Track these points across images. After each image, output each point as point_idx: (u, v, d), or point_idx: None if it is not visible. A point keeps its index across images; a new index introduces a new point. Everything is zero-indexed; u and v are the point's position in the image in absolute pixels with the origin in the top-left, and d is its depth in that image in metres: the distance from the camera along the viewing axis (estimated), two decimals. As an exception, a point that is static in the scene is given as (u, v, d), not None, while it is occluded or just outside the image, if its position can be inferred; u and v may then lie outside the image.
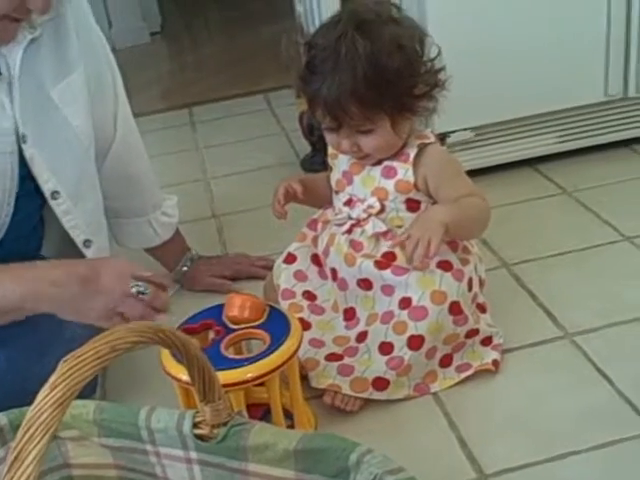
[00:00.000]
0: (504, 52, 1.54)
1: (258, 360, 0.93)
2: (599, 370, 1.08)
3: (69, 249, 1.13)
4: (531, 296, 1.26)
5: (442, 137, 1.60)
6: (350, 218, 1.13)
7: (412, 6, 1.54)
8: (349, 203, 1.14)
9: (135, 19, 3.14)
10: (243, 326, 0.99)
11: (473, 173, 1.63)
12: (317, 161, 1.72)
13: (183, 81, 2.75)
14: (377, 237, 1.11)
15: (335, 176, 1.17)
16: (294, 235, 1.23)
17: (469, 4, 1.51)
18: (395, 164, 1.11)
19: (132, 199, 1.32)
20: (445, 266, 1.08)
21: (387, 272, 1.09)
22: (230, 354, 0.96)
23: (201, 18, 3.62)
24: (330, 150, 1.18)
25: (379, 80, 1.02)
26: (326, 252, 1.15)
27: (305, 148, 1.86)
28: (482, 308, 1.16)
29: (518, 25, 1.53)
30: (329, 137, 1.11)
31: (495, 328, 1.14)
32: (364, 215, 1.11)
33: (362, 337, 1.10)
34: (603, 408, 1.02)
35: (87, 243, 1.13)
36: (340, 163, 1.16)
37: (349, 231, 1.12)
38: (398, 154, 1.11)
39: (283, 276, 1.18)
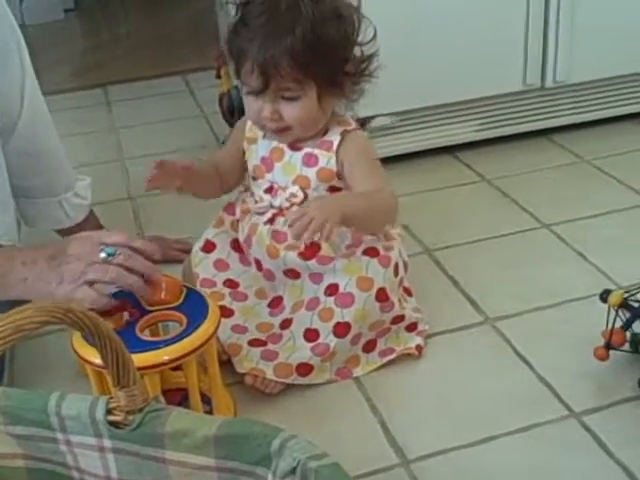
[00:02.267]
0: (426, 39, 1.54)
1: (174, 342, 0.89)
2: (519, 355, 1.09)
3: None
4: (452, 282, 1.26)
5: (363, 122, 1.59)
6: (272, 207, 1.09)
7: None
8: (270, 191, 1.10)
9: (48, -6, 3.02)
10: (159, 307, 0.95)
11: (393, 159, 1.64)
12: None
13: (97, 60, 2.65)
14: None
15: (252, 162, 1.13)
16: (212, 217, 1.19)
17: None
18: (317, 152, 1.08)
19: (41, 178, 1.25)
20: (371, 252, 1.07)
21: (312, 262, 1.07)
22: (145, 336, 0.92)
23: (116, -4, 3.51)
24: (248, 133, 1.14)
25: (317, 43, 0.99)
26: (248, 242, 1.11)
27: (225, 130, 1.81)
28: (408, 292, 1.15)
29: (440, 13, 1.54)
30: (250, 102, 1.04)
31: (420, 314, 1.13)
32: (287, 204, 1.08)
33: (286, 324, 1.07)
34: (524, 392, 1.02)
35: (-8, 221, 1.07)
36: (259, 148, 1.12)
37: (271, 220, 1.09)
38: (320, 141, 1.08)
39: (202, 265, 1.14)
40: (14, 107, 1.16)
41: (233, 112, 1.75)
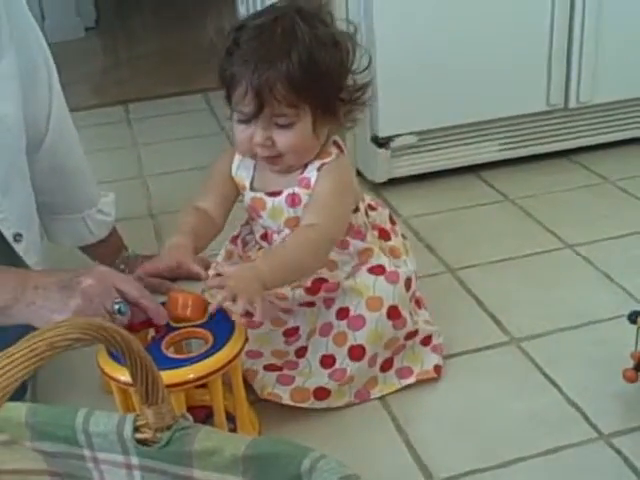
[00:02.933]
0: (450, 59, 1.55)
1: (200, 360, 0.89)
2: (546, 375, 1.08)
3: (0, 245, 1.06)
4: (476, 301, 1.25)
5: (386, 141, 1.59)
6: None
7: (358, 9, 1.53)
8: (265, 237, 1.08)
9: (69, 13, 3.05)
10: (184, 325, 0.94)
11: (416, 178, 1.64)
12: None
13: (118, 78, 2.67)
14: None
15: (245, 204, 1.09)
16: (230, 233, 1.16)
17: (416, 10, 1.50)
18: (297, 190, 1.04)
19: (66, 194, 1.26)
20: (377, 270, 1.06)
21: (321, 294, 1.06)
22: (171, 353, 0.92)
23: (137, 14, 3.54)
24: (238, 179, 1.08)
25: (313, 68, 0.96)
26: None
27: (246, 148, 1.82)
28: (419, 303, 1.14)
29: (464, 33, 1.54)
30: (241, 130, 1.00)
31: (434, 326, 1.12)
32: None
33: (302, 352, 1.06)
34: (550, 414, 1.01)
35: (17, 237, 1.07)
36: (246, 198, 1.09)
37: None
38: (298, 179, 1.04)
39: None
40: (41, 124, 1.16)
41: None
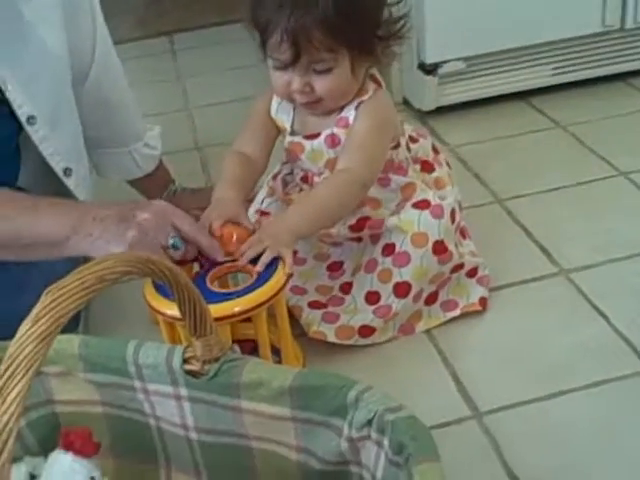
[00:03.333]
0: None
1: (245, 294, 0.89)
2: (595, 307, 1.06)
3: (48, 179, 1.07)
4: (525, 232, 1.23)
5: (433, 68, 1.55)
6: None
7: None
8: (306, 180, 1.07)
9: (111, -58, 3.01)
10: (228, 259, 0.95)
11: (465, 105, 1.60)
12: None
13: (162, 9, 2.64)
14: None
15: (284, 144, 1.08)
16: (277, 164, 1.16)
17: None
18: (336, 130, 1.02)
19: (112, 127, 1.26)
20: (422, 205, 1.04)
21: (365, 232, 1.05)
22: (215, 288, 0.92)
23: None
24: (279, 122, 1.07)
25: (348, 9, 0.93)
26: None
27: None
28: (463, 234, 1.12)
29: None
30: (278, 76, 0.99)
31: (479, 258, 1.11)
32: None
33: (347, 288, 1.06)
34: (599, 345, 1.00)
35: (67, 171, 1.08)
36: (285, 138, 1.07)
37: None
38: (336, 119, 1.02)
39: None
40: (86, 57, 1.16)
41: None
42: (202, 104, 1.82)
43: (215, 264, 0.94)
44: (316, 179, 1.06)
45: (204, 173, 1.52)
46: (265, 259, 0.91)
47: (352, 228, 1.05)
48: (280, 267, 0.93)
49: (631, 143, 1.45)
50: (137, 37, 2.30)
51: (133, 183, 1.34)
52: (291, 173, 1.11)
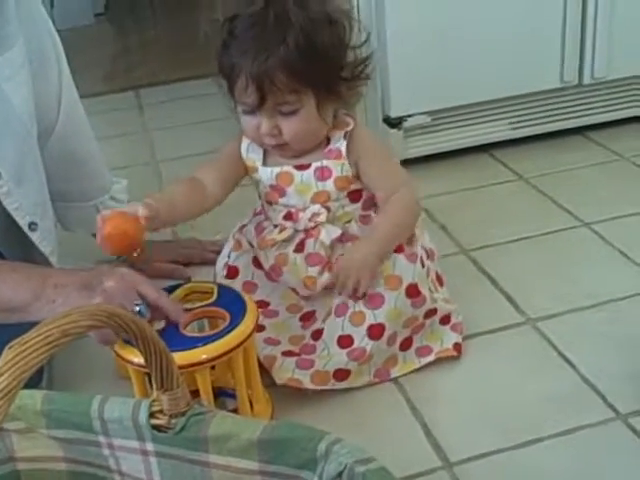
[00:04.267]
0: (461, 37, 1.53)
1: (216, 340, 0.89)
2: (562, 356, 1.07)
3: (13, 233, 1.06)
4: (491, 281, 1.25)
5: (398, 122, 1.58)
6: (296, 231, 1.06)
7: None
8: (289, 217, 1.06)
9: (78, -1, 3.04)
10: (198, 304, 0.95)
11: (430, 158, 1.63)
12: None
13: (128, 63, 2.67)
14: (333, 244, 1.05)
15: (262, 189, 1.08)
16: (245, 213, 1.15)
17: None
18: (326, 162, 1.04)
19: (78, 181, 1.26)
20: (396, 249, 1.05)
21: None
22: (189, 332, 0.92)
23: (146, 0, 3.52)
24: (246, 161, 1.08)
25: (310, 51, 0.96)
26: (277, 272, 1.08)
27: (257, 132, 1.81)
28: (440, 280, 1.12)
29: (475, 10, 1.52)
30: (247, 120, 1.01)
31: (453, 305, 1.11)
32: (311, 224, 1.04)
33: (318, 334, 1.06)
34: (568, 394, 1.00)
35: (32, 226, 1.07)
36: (263, 177, 1.07)
37: (301, 246, 1.05)
38: (325, 152, 1.04)
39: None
40: (51, 112, 1.16)
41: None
42: (169, 157, 1.82)
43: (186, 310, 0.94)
44: (300, 215, 1.05)
45: (170, 227, 1.52)
46: (363, 289, 1.01)
47: (332, 269, 1.05)
48: (249, 312, 0.93)
49: (592, 194, 1.48)
50: (103, 91, 2.31)
51: (99, 236, 1.33)
52: (267, 219, 1.10)
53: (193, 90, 2.25)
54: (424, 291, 1.05)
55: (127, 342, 0.88)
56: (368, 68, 1.03)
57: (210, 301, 0.96)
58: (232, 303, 0.95)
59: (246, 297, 0.97)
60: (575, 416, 0.96)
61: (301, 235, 1.06)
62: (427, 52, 1.52)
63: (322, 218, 1.04)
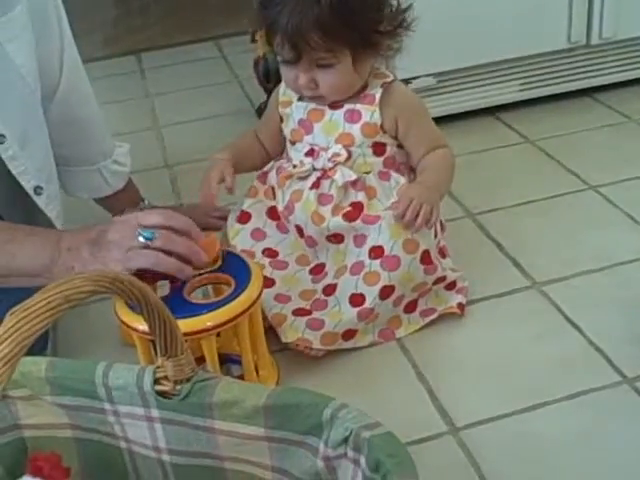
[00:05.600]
0: (467, -3, 1.50)
1: (222, 306, 0.89)
2: (569, 319, 1.06)
3: (18, 197, 1.06)
4: (497, 246, 1.24)
5: (404, 84, 1.55)
6: (315, 169, 1.07)
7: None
8: (311, 153, 1.08)
9: (77, -38, 2.99)
10: (201, 272, 0.94)
11: (435, 121, 1.59)
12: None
13: (129, 27, 2.63)
14: (346, 187, 1.06)
15: (290, 126, 1.11)
16: (247, 184, 1.16)
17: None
18: (359, 107, 1.06)
19: (81, 145, 1.24)
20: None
21: (358, 222, 1.05)
22: (195, 299, 0.92)
23: (147, -38, 3.47)
24: (281, 97, 1.12)
25: (345, 10, 0.97)
26: (290, 209, 1.09)
27: (260, 96, 1.79)
28: (442, 253, 1.12)
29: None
30: (285, 71, 1.05)
31: (458, 272, 1.11)
32: (330, 164, 1.06)
33: (330, 290, 1.05)
34: (574, 358, 1.00)
35: (38, 190, 1.06)
36: (295, 111, 1.10)
37: (317, 184, 1.06)
38: (360, 96, 1.06)
39: (239, 237, 1.11)
40: (54, 74, 1.15)
41: (269, 76, 1.73)
42: (171, 122, 1.80)
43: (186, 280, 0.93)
44: (322, 154, 1.06)
45: (173, 191, 1.51)
46: (424, 215, 1.00)
47: (346, 216, 1.05)
48: (254, 278, 0.92)
49: (599, 157, 1.46)
50: (104, 56, 2.29)
51: (102, 201, 1.32)
52: (287, 162, 1.12)
53: (193, 54, 2.23)
54: (435, 260, 1.05)
55: (131, 308, 0.87)
56: (408, 19, 1.04)
57: (215, 267, 0.95)
58: (237, 269, 0.95)
59: (251, 263, 0.96)
60: (582, 380, 0.96)
61: (318, 174, 1.07)
62: (432, 13, 1.48)
63: (342, 159, 1.05)
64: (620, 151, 1.48)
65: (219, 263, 0.96)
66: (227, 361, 1.01)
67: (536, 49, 1.60)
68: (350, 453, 0.62)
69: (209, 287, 1.01)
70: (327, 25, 0.96)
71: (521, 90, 1.64)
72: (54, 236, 0.94)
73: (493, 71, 1.60)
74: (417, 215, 1.00)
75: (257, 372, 0.97)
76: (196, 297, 0.94)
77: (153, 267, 0.89)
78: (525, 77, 1.63)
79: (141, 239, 0.89)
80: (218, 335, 0.95)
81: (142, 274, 0.88)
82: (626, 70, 1.67)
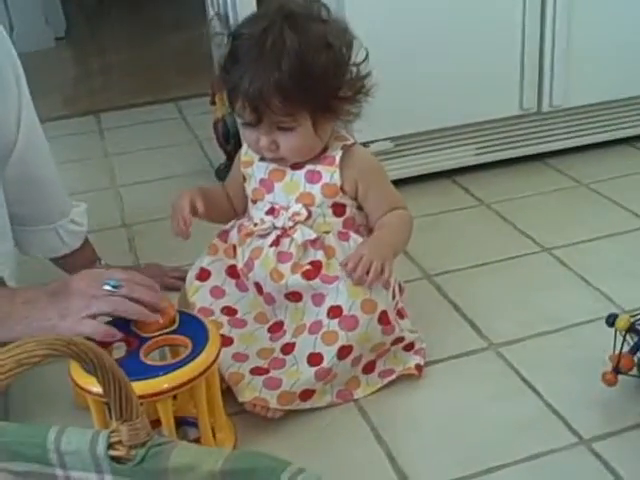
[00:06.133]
0: (422, 64, 1.54)
1: (179, 367, 0.87)
2: (525, 381, 1.07)
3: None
4: (454, 307, 1.25)
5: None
6: (275, 228, 1.08)
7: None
8: (272, 212, 1.09)
9: (38, 22, 3.01)
10: (156, 334, 0.93)
11: (392, 183, 1.62)
12: (232, 170, 1.67)
13: (88, 88, 2.65)
14: (305, 245, 1.06)
15: (251, 185, 1.12)
16: (206, 244, 1.16)
17: (388, 15, 1.49)
18: (319, 168, 1.07)
19: (37, 205, 1.23)
20: None
21: (317, 281, 1.05)
22: (152, 360, 0.91)
23: (107, 24, 3.50)
24: (243, 157, 1.13)
25: (304, 76, 0.99)
26: (249, 266, 1.09)
27: (219, 157, 1.80)
28: (400, 314, 1.13)
29: (436, 38, 1.54)
30: (247, 133, 1.06)
31: (416, 334, 1.11)
32: (290, 223, 1.07)
33: (289, 348, 1.05)
34: (531, 419, 1.00)
35: (-9, 249, 1.05)
36: (257, 171, 1.11)
37: (276, 242, 1.07)
38: (321, 158, 1.08)
39: (198, 294, 1.11)
40: (10, 134, 1.14)
41: (228, 138, 1.74)
42: (130, 182, 1.80)
43: (144, 340, 0.92)
44: (283, 212, 1.07)
45: (131, 251, 1.50)
46: (375, 271, 1.00)
47: (305, 274, 1.05)
48: (211, 340, 0.91)
49: (552, 220, 1.50)
50: (64, 115, 2.29)
51: (58, 261, 1.30)
52: (248, 220, 1.12)
53: (153, 115, 2.24)
54: (393, 320, 1.05)
55: (86, 370, 0.86)
56: (367, 86, 1.06)
57: (172, 328, 0.94)
58: (194, 330, 0.94)
59: (209, 323, 0.95)
60: (539, 442, 0.96)
61: (278, 232, 1.07)
62: (389, 79, 1.52)
63: (302, 218, 1.06)
64: (572, 214, 1.51)
65: (175, 324, 0.95)
66: (183, 423, 0.99)
67: (490, 115, 1.64)
68: (308, 520, 0.61)
69: (166, 349, 0.99)
70: (287, 90, 0.98)
71: (476, 154, 1.68)
72: (7, 292, 0.93)
73: (449, 135, 1.64)
74: (368, 271, 1.01)
75: (214, 435, 0.95)
76: (153, 359, 0.92)
77: (116, 312, 0.89)
78: (480, 142, 1.67)
79: (107, 287, 0.90)
80: (174, 398, 0.94)
81: (94, 340, 0.87)
82: (575, 137, 1.73)
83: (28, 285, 1.05)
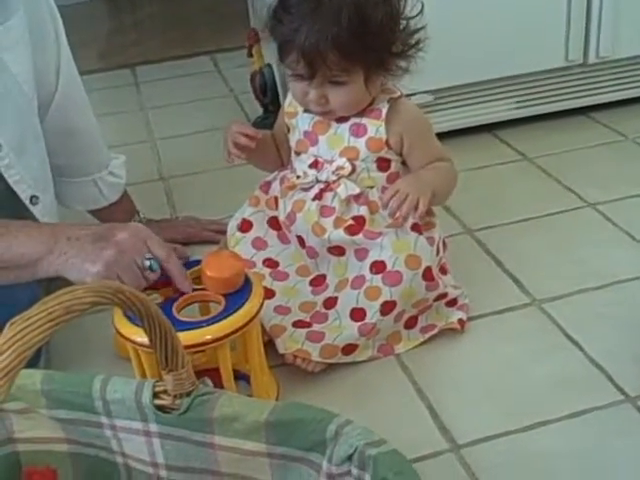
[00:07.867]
0: (466, 14, 1.50)
1: (215, 322, 0.87)
2: (569, 337, 1.05)
3: (13, 207, 1.04)
4: (496, 262, 1.23)
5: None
6: (318, 181, 1.06)
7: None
8: (315, 165, 1.07)
9: (73, -25, 2.98)
10: (198, 287, 0.93)
11: (433, 137, 1.60)
12: (269, 123, 1.64)
13: (124, 41, 2.63)
14: (349, 200, 1.05)
15: (295, 137, 1.10)
16: (244, 198, 1.16)
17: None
18: (365, 121, 1.05)
19: (76, 156, 1.23)
20: (417, 229, 1.04)
21: (359, 236, 1.04)
22: (182, 317, 0.90)
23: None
24: (287, 108, 1.11)
25: (363, 30, 0.96)
26: (291, 219, 1.08)
27: (256, 110, 1.79)
28: (443, 270, 1.11)
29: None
30: (295, 86, 1.03)
31: (459, 289, 1.10)
32: (333, 177, 1.05)
33: (331, 303, 1.04)
34: (574, 376, 0.99)
35: (34, 199, 1.05)
36: (300, 122, 1.09)
37: (319, 196, 1.06)
38: (367, 110, 1.05)
39: (240, 245, 1.11)
40: (50, 84, 1.14)
41: (265, 90, 1.72)
42: (166, 135, 1.79)
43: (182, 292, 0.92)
44: (326, 166, 1.05)
45: (168, 204, 1.49)
46: (409, 203, 0.98)
47: (348, 230, 1.04)
48: (254, 292, 0.91)
49: (596, 175, 1.46)
50: (99, 69, 2.28)
51: (96, 213, 1.31)
52: (291, 172, 1.10)
53: (189, 68, 2.22)
54: (437, 276, 1.04)
55: (131, 320, 0.86)
56: (420, 40, 1.03)
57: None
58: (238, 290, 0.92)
59: (253, 277, 0.94)
60: (583, 398, 0.95)
61: (321, 186, 1.06)
62: (430, 31, 1.49)
63: (345, 172, 1.05)
64: (617, 169, 1.48)
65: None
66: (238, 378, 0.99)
67: (533, 67, 1.60)
68: (354, 471, 0.61)
69: (195, 306, 0.98)
70: (345, 45, 0.95)
71: (517, 108, 1.64)
72: (55, 227, 0.93)
73: (490, 88, 1.60)
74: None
75: (252, 390, 0.95)
76: (184, 315, 0.92)
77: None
78: (522, 95, 1.63)
79: (147, 262, 0.89)
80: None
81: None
82: (622, 89, 1.67)
83: (78, 223, 1.04)
